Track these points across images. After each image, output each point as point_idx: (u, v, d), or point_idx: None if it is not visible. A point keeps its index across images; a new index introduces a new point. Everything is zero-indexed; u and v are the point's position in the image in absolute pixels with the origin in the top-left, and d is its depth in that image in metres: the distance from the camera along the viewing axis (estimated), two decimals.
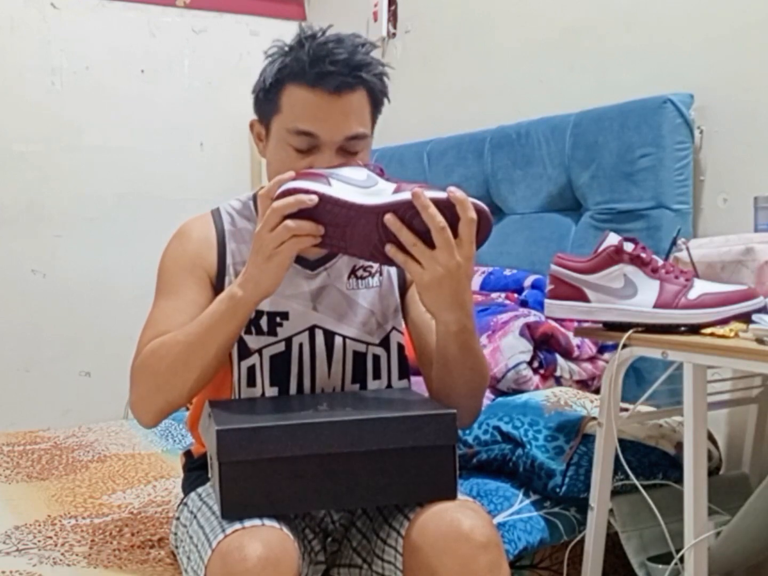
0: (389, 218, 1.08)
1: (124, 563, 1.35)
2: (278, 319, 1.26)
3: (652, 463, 1.50)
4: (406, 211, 1.08)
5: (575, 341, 1.77)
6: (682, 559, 1.24)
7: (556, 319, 1.49)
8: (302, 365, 1.27)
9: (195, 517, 1.17)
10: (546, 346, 1.76)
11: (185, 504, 1.27)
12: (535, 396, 1.64)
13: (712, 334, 1.19)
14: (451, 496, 1.11)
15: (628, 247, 1.29)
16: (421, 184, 1.13)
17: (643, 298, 1.27)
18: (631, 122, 1.84)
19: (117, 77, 3.06)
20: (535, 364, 1.74)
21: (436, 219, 1.08)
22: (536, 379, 1.73)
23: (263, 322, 1.26)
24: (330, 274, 1.30)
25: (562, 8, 2.21)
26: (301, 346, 1.27)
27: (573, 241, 2.00)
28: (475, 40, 2.54)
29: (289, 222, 1.07)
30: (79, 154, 3.01)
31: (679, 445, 1.47)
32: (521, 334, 1.73)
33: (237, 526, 1.03)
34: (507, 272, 2.08)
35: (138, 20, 3.10)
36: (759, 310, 1.22)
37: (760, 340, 1.11)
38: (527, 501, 1.49)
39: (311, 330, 1.27)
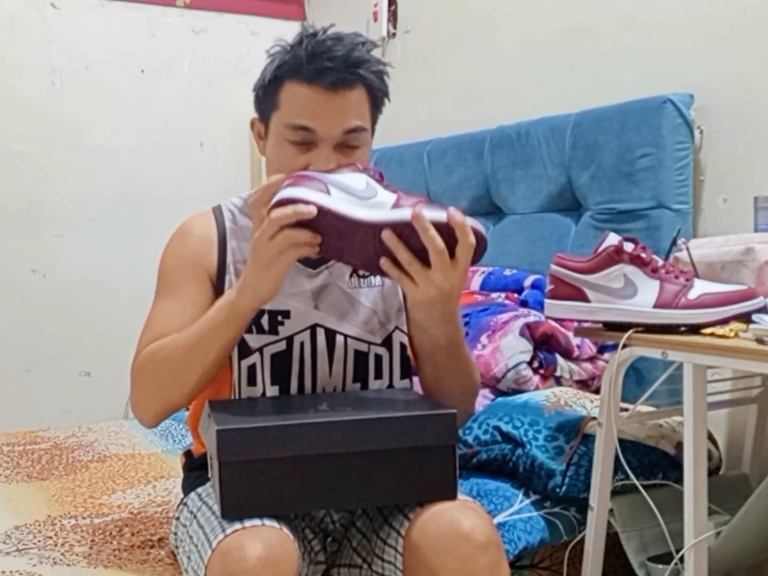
0: (387, 235, 1.07)
1: (124, 563, 1.35)
2: (279, 318, 1.26)
3: (652, 463, 1.50)
4: (404, 229, 1.07)
5: (575, 341, 1.77)
6: (682, 559, 1.24)
7: (556, 319, 1.49)
8: (303, 364, 1.27)
9: (195, 517, 1.17)
10: (546, 346, 1.76)
11: (185, 504, 1.27)
12: (535, 396, 1.64)
13: (712, 334, 1.19)
14: (452, 496, 1.11)
15: (628, 247, 1.29)
16: (420, 199, 1.11)
17: (643, 298, 1.27)
18: (631, 122, 1.84)
19: (117, 77, 3.06)
20: (535, 364, 1.74)
21: (435, 242, 1.05)
22: (536, 379, 1.73)
23: (264, 320, 1.26)
24: (332, 272, 1.30)
25: (562, 8, 2.21)
26: (302, 345, 1.27)
27: (573, 241, 2.00)
28: (475, 40, 2.54)
29: (287, 231, 1.06)
30: (79, 154, 3.01)
31: (679, 445, 1.47)
32: (521, 334, 1.73)
33: (237, 526, 1.03)
34: (507, 272, 2.08)
35: (138, 20, 3.10)
36: (759, 310, 1.22)
37: (760, 340, 1.11)
38: (527, 501, 1.49)
39: (312, 329, 1.27)
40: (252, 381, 1.25)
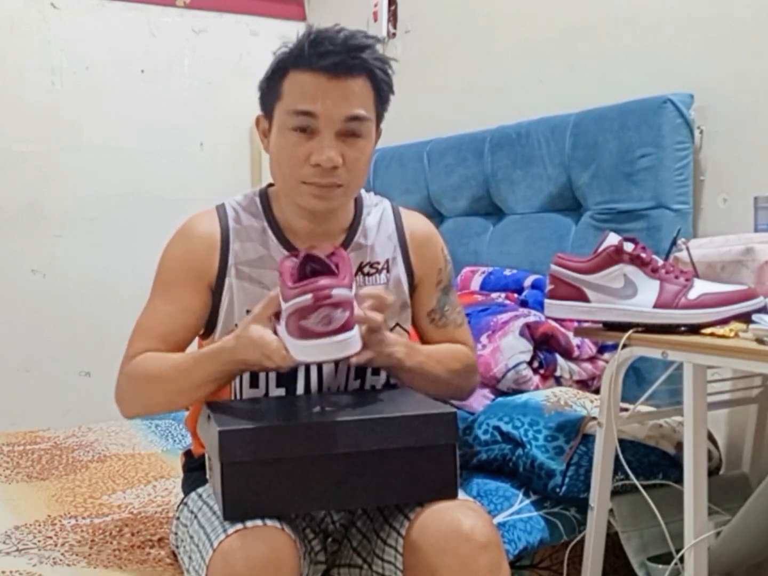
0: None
1: (124, 563, 1.35)
2: None
3: (652, 463, 1.50)
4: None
5: (575, 341, 1.77)
6: (682, 559, 1.24)
7: (556, 319, 1.49)
8: (309, 364, 1.27)
9: (196, 517, 1.17)
10: (546, 346, 1.76)
11: (185, 504, 1.27)
12: (535, 396, 1.64)
13: (712, 334, 1.19)
14: (452, 495, 1.11)
15: (628, 247, 1.29)
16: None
17: (643, 298, 1.27)
18: (631, 122, 1.84)
19: (117, 77, 3.06)
20: (535, 364, 1.74)
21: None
22: (536, 379, 1.73)
23: None
24: None
25: (562, 8, 2.21)
26: None
27: (573, 241, 2.00)
28: (475, 40, 2.54)
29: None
30: (79, 154, 3.01)
31: (679, 445, 1.47)
32: (521, 334, 1.73)
33: (238, 526, 1.03)
34: (507, 272, 2.08)
35: (138, 20, 3.10)
36: (759, 310, 1.22)
37: (760, 340, 1.11)
38: (527, 501, 1.49)
39: None
40: (254, 383, 1.25)
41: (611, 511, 1.43)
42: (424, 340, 1.38)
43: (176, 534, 1.28)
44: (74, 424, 2.38)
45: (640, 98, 1.84)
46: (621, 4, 2.04)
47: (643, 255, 1.29)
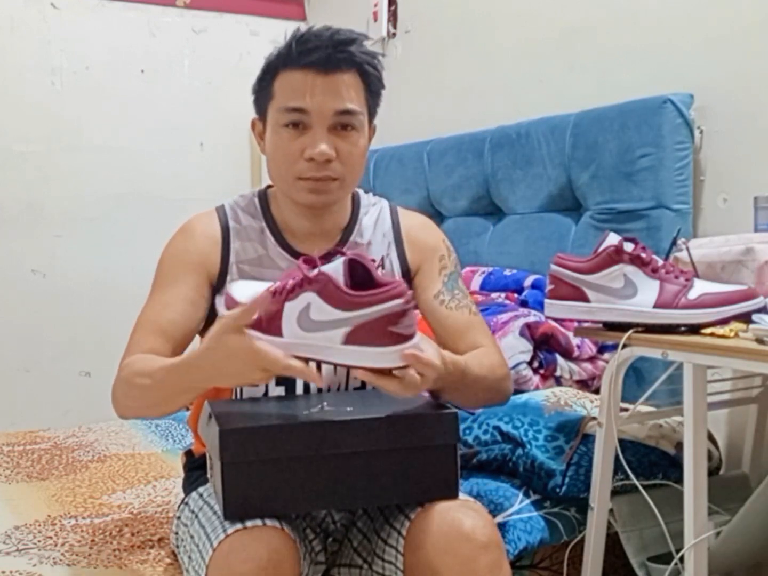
0: (362, 375, 1.04)
1: (124, 563, 1.35)
2: None
3: (652, 463, 1.50)
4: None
5: (575, 341, 1.77)
6: (682, 559, 1.24)
7: (556, 319, 1.49)
8: (308, 363, 1.26)
9: (196, 516, 1.17)
10: (546, 346, 1.76)
11: (186, 503, 1.27)
12: (535, 396, 1.64)
13: (712, 334, 1.19)
14: (453, 495, 1.11)
15: (628, 247, 1.29)
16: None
17: (643, 298, 1.27)
18: (631, 122, 1.84)
19: (117, 77, 3.06)
20: (535, 364, 1.74)
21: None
22: (536, 379, 1.73)
23: None
24: None
25: (562, 8, 2.21)
26: None
27: (573, 241, 2.00)
28: (475, 40, 2.54)
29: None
30: (79, 154, 3.01)
31: (679, 445, 1.47)
32: (521, 334, 1.73)
33: (239, 526, 1.03)
34: (507, 272, 2.08)
35: (138, 20, 3.10)
36: (759, 310, 1.22)
37: (760, 340, 1.11)
38: (527, 501, 1.49)
39: None
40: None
41: (611, 511, 1.43)
42: (437, 329, 1.33)
43: (177, 533, 1.28)
44: (74, 424, 2.38)
45: (640, 98, 1.84)
46: (621, 4, 2.04)
47: (643, 255, 1.29)
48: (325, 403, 1.17)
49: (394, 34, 2.92)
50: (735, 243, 1.35)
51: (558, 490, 1.45)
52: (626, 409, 1.40)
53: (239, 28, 3.28)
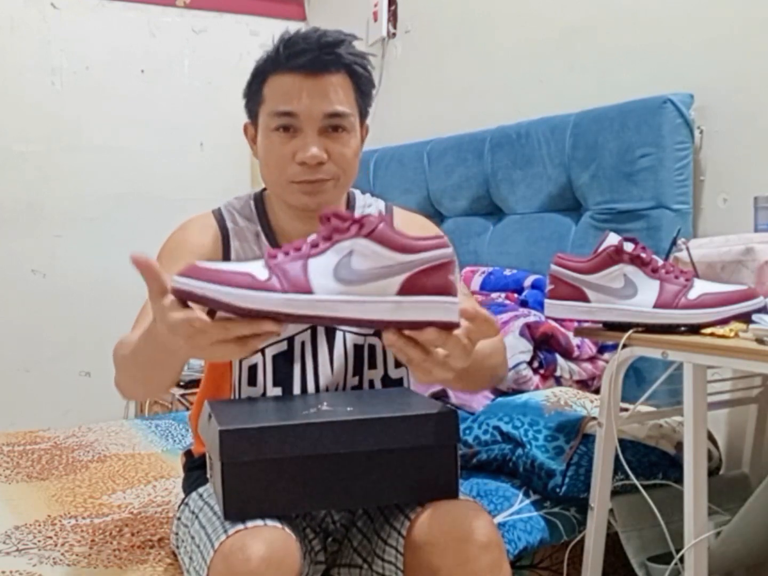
0: (391, 340, 0.87)
1: (124, 563, 1.35)
2: None
3: (652, 463, 1.50)
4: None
5: (575, 341, 1.77)
6: (682, 559, 1.24)
7: (556, 319, 1.49)
8: (305, 364, 1.27)
9: (197, 517, 1.17)
10: (546, 346, 1.76)
11: (186, 504, 1.27)
12: (535, 396, 1.64)
13: (712, 334, 1.19)
14: (453, 495, 1.11)
15: (628, 247, 1.29)
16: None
17: (643, 298, 1.27)
18: (631, 122, 1.84)
19: (117, 77, 3.06)
20: (535, 364, 1.74)
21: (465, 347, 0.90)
22: (536, 379, 1.73)
23: None
24: None
25: (562, 8, 2.21)
26: (303, 344, 1.27)
27: (573, 241, 2.00)
28: (475, 40, 2.54)
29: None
30: (79, 154, 3.01)
31: (679, 445, 1.47)
32: (521, 334, 1.73)
33: (239, 526, 1.03)
34: (507, 272, 2.08)
35: (138, 20, 3.10)
36: (759, 310, 1.22)
37: (760, 340, 1.11)
38: (527, 501, 1.49)
39: (313, 328, 1.27)
40: (253, 381, 1.26)
41: (611, 511, 1.43)
42: None
43: (177, 534, 1.28)
44: (74, 424, 2.38)
45: (640, 98, 1.84)
46: (621, 4, 2.04)
47: (643, 255, 1.29)
48: (324, 403, 1.17)
49: (394, 34, 2.92)
50: (735, 243, 1.35)
51: (558, 490, 1.45)
52: (626, 409, 1.40)
53: (239, 28, 3.29)
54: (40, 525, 1.52)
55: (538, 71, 2.29)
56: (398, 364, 1.32)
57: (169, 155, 3.15)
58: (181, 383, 2.82)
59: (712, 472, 1.55)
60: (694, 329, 1.23)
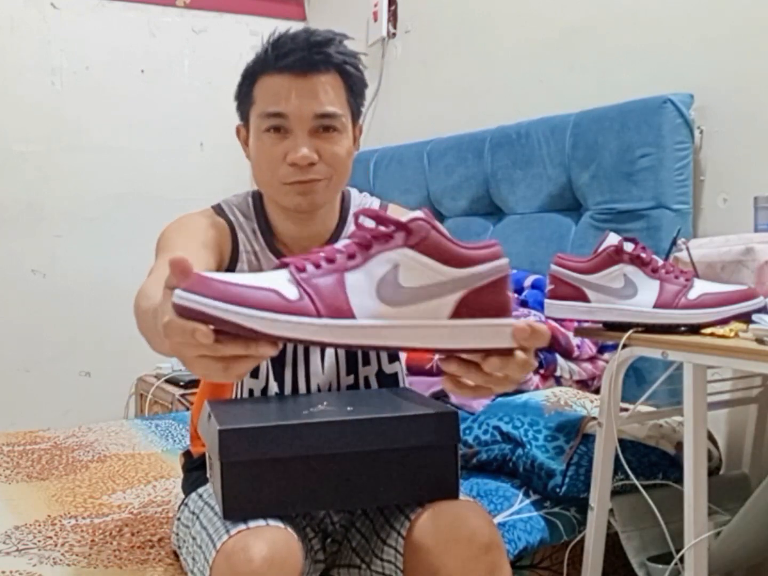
0: (452, 368, 0.77)
1: (124, 563, 1.35)
2: None
3: (652, 463, 1.50)
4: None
5: (575, 341, 1.77)
6: (682, 559, 1.24)
7: (556, 319, 1.49)
8: (296, 360, 1.27)
9: (197, 517, 1.17)
10: (546, 346, 1.76)
11: (186, 504, 1.27)
12: (535, 396, 1.64)
13: (712, 334, 1.19)
14: (453, 496, 1.11)
15: (628, 247, 1.29)
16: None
17: (643, 298, 1.27)
18: (631, 122, 1.84)
19: (117, 77, 3.06)
20: (535, 364, 1.74)
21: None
22: (536, 379, 1.73)
23: None
24: None
25: (562, 8, 2.21)
26: (295, 346, 1.27)
27: (573, 241, 2.00)
28: (475, 40, 2.54)
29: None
30: (79, 154, 3.01)
31: (679, 445, 1.47)
32: None
33: (241, 526, 1.02)
34: None
35: (138, 20, 3.10)
36: (759, 310, 1.22)
37: (760, 340, 1.11)
38: (527, 501, 1.49)
39: None
40: (254, 374, 1.26)
41: (611, 511, 1.43)
42: None
43: (178, 534, 1.28)
44: (74, 424, 2.38)
45: (640, 98, 1.84)
46: (621, 4, 2.04)
47: (643, 255, 1.29)
48: (325, 403, 1.17)
49: (394, 34, 2.92)
50: (735, 243, 1.35)
51: (558, 490, 1.45)
52: (626, 409, 1.40)
53: (239, 28, 3.28)
54: (40, 525, 1.52)
55: (538, 71, 2.29)
56: (392, 360, 1.32)
57: (169, 155, 3.15)
58: (181, 383, 2.83)
59: (712, 472, 1.55)
60: (694, 329, 1.23)
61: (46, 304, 2.97)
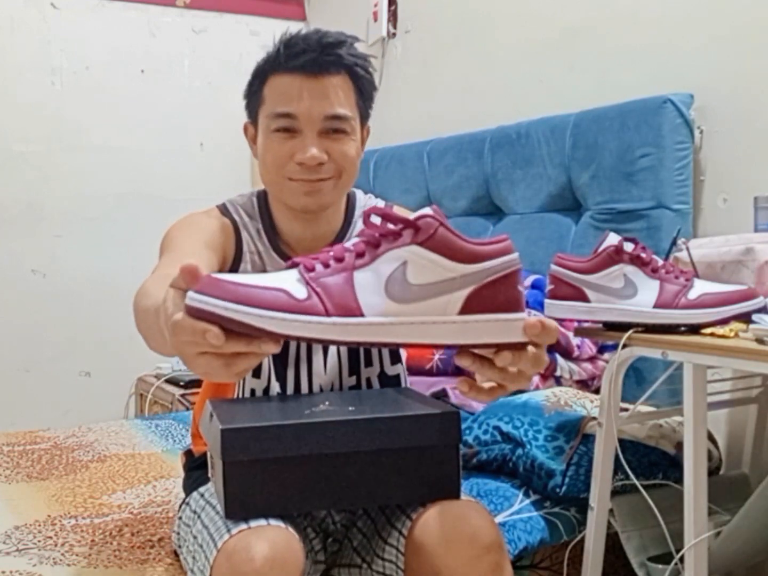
0: (465, 362, 0.77)
1: (124, 563, 1.35)
2: None
3: (652, 463, 1.50)
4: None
5: (575, 341, 1.77)
6: (682, 559, 1.24)
7: (556, 319, 1.49)
8: (299, 360, 1.27)
9: (198, 516, 1.17)
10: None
11: (187, 504, 1.27)
12: (535, 396, 1.64)
13: (712, 334, 1.19)
14: (455, 495, 1.11)
15: (628, 247, 1.29)
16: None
17: (643, 298, 1.27)
18: (631, 122, 1.84)
19: (117, 77, 3.06)
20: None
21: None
22: (536, 379, 1.73)
23: None
24: None
25: (562, 8, 2.21)
26: (298, 344, 1.27)
27: (573, 241, 2.00)
28: (475, 40, 2.54)
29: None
30: (79, 154, 3.01)
31: (679, 445, 1.47)
32: None
33: (242, 526, 1.02)
34: None
35: (138, 20, 3.10)
36: (759, 310, 1.22)
37: (760, 340, 1.11)
38: (527, 501, 1.49)
39: None
40: (257, 373, 1.26)
41: (611, 511, 1.43)
42: None
43: (178, 534, 1.28)
44: (74, 424, 2.38)
45: (640, 98, 1.84)
46: (621, 4, 2.04)
47: (643, 255, 1.29)
48: (327, 403, 1.17)
49: (394, 34, 2.92)
50: (735, 243, 1.36)
51: (558, 490, 1.45)
52: (626, 409, 1.40)
53: (239, 28, 3.29)
54: (40, 525, 1.52)
55: (538, 71, 2.29)
56: (394, 361, 1.32)
57: (169, 155, 3.15)
58: (181, 383, 2.83)
59: (712, 472, 1.55)
60: (694, 329, 1.23)
61: (46, 304, 2.97)
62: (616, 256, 1.29)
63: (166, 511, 1.59)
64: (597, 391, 1.64)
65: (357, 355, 1.30)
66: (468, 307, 0.73)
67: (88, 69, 3.02)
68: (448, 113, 2.64)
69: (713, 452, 1.60)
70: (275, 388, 1.26)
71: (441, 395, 1.72)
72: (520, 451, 1.52)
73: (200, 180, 3.15)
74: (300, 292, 0.70)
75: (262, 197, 1.33)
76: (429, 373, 1.86)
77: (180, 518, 1.28)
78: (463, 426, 1.59)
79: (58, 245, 2.99)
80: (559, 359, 1.77)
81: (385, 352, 1.31)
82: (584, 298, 1.31)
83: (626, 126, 1.85)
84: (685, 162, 1.79)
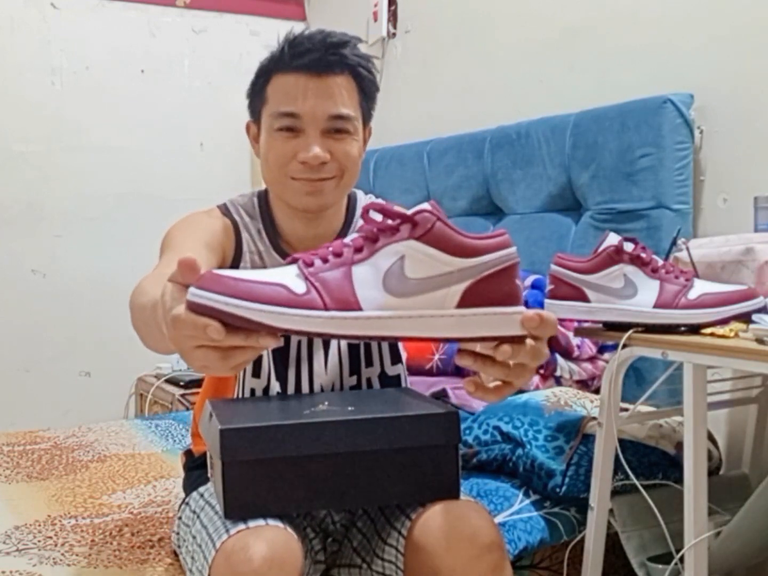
0: (467, 362, 0.79)
1: (124, 563, 1.35)
2: None
3: (652, 463, 1.50)
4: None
5: (575, 341, 1.77)
6: (682, 559, 1.24)
7: None
8: (300, 359, 1.27)
9: (198, 516, 1.17)
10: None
11: (187, 503, 1.27)
12: (535, 396, 1.64)
13: (712, 334, 1.19)
14: (454, 495, 1.11)
15: (628, 247, 1.29)
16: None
17: (643, 298, 1.27)
18: (631, 122, 1.84)
19: (117, 77, 3.06)
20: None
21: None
22: (536, 379, 1.73)
23: None
24: None
25: (562, 8, 2.21)
26: (299, 344, 1.27)
27: (573, 241, 2.00)
28: (475, 40, 2.54)
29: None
30: (79, 154, 3.01)
31: (679, 445, 1.47)
32: None
33: (241, 526, 1.02)
34: None
35: (138, 20, 3.10)
36: (759, 310, 1.22)
37: (760, 340, 1.11)
38: (527, 501, 1.49)
39: None
40: (257, 373, 1.26)
41: (611, 511, 1.43)
42: None
43: (178, 534, 1.28)
44: (74, 424, 2.38)
45: (640, 98, 1.84)
46: (621, 4, 2.04)
47: (643, 255, 1.29)
48: (326, 403, 1.17)
49: (394, 34, 2.92)
50: (735, 243, 1.35)
51: (558, 490, 1.45)
52: (626, 409, 1.40)
53: (239, 28, 3.29)
54: (40, 525, 1.52)
55: (538, 71, 2.29)
56: (394, 361, 1.33)
57: (169, 155, 3.15)
58: (181, 383, 2.83)
59: (712, 472, 1.55)
60: (694, 329, 1.23)
61: (46, 304, 2.97)
62: (616, 256, 1.29)
63: (166, 511, 1.59)
64: (597, 391, 1.64)
65: (358, 355, 1.30)
66: (466, 301, 0.73)
67: (88, 69, 3.02)
68: (448, 113, 2.64)
69: (713, 452, 1.60)
70: (275, 387, 1.26)
71: (441, 395, 1.72)
72: (520, 451, 1.52)
73: (200, 180, 3.15)
74: (299, 286, 0.71)
75: (263, 197, 1.33)
76: (429, 373, 1.86)
77: (180, 518, 1.28)
78: (463, 426, 1.59)
79: (58, 245, 2.99)
80: (559, 359, 1.77)
81: (386, 352, 1.31)
82: (584, 298, 1.31)
83: (626, 126, 1.85)
84: (685, 162, 1.79)
